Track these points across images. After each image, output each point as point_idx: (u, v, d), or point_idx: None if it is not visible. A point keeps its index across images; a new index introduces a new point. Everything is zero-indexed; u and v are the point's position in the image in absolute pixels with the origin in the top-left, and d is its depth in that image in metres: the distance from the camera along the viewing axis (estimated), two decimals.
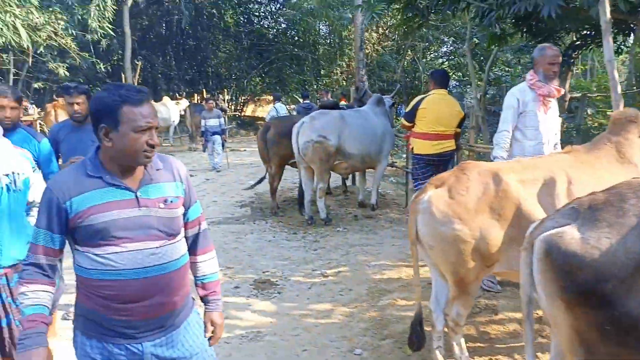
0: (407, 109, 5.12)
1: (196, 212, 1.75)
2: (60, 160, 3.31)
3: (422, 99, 4.92)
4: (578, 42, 5.90)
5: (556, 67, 3.45)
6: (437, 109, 4.80)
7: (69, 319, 3.54)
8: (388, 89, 15.36)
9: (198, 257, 1.78)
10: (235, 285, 4.21)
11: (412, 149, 5.07)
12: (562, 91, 3.62)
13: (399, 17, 5.96)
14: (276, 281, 4.32)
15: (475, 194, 2.35)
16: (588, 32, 5.61)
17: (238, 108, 21.21)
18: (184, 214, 1.70)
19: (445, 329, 2.70)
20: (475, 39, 7.29)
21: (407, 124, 5.04)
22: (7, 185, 2.21)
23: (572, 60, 6.19)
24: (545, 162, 2.52)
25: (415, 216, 2.46)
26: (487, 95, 8.77)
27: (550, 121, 3.56)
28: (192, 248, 1.77)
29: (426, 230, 2.42)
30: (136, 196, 1.55)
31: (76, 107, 3.29)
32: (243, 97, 21.77)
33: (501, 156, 3.54)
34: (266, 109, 21.86)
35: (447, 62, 17.53)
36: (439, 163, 4.91)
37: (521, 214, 2.32)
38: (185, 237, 1.73)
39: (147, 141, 1.51)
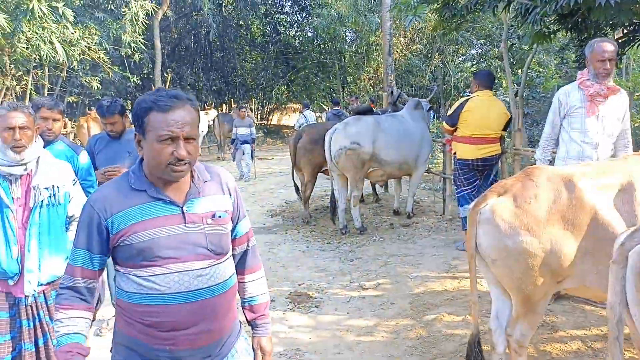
0: (450, 112, 4.88)
1: (245, 228, 1.60)
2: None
3: (465, 101, 4.68)
4: (624, 38, 5.56)
5: (607, 64, 3.18)
6: (482, 112, 4.56)
7: (101, 335, 3.47)
8: (416, 93, 15.09)
9: (246, 277, 1.62)
10: (271, 299, 4.04)
11: (455, 153, 4.83)
12: (618, 90, 3.34)
13: (436, 17, 5.75)
14: (313, 294, 4.15)
15: (545, 202, 2.12)
16: (636, 27, 5.27)
17: (264, 117, 21.32)
18: (232, 230, 1.55)
19: (507, 351, 2.46)
20: (508, 40, 7.01)
21: (449, 127, 4.82)
22: (47, 198, 2.14)
23: (619, 57, 5.84)
24: (620, 165, 2.27)
25: (475, 227, 2.24)
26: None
27: (603, 123, 3.28)
28: (240, 267, 1.61)
29: (488, 242, 2.20)
30: (182, 211, 1.40)
31: (109, 127, 3.31)
32: (269, 106, 21.88)
33: (539, 159, 3.51)
34: (292, 118, 21.92)
35: (475, 65, 17.13)
36: (484, 168, 4.67)
37: (598, 224, 2.08)
38: (233, 254, 1.57)
39: (173, 153, 1.34)
